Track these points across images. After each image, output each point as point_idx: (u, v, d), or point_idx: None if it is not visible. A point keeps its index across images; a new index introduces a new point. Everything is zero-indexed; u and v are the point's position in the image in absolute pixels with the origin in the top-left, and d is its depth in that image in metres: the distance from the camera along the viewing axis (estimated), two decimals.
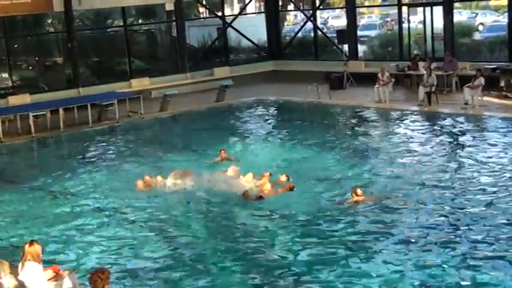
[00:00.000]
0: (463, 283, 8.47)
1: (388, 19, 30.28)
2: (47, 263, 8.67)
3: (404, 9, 24.84)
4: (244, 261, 9.59)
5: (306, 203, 11.87)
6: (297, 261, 9.44)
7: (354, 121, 19.38)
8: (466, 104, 18.89)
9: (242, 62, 28.47)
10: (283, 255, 9.67)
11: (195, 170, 13.78)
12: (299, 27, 29.45)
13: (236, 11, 31.00)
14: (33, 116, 19.26)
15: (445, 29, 23.12)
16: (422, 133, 17.01)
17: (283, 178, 12.92)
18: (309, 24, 28.42)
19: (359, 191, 11.67)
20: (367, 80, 22.31)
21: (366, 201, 11.56)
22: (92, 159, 16.43)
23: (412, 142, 16.04)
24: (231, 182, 13.00)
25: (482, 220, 10.48)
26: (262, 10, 30.24)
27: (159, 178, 13.33)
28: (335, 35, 26.58)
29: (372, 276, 8.76)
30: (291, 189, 12.38)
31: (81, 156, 16.74)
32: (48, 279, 8.21)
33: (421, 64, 22.22)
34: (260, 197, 12.09)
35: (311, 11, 28.38)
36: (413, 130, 17.39)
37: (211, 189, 12.88)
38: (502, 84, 19.95)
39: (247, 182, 12.87)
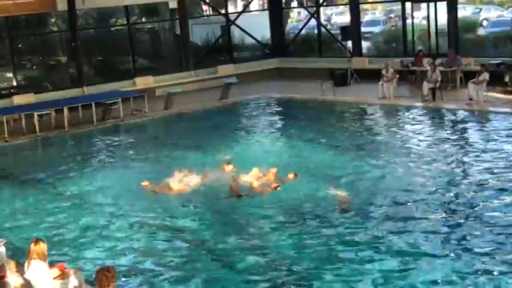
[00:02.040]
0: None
1: (392, 15, 30.26)
2: (52, 262, 8.70)
3: (408, 5, 24.77)
4: (244, 260, 9.58)
5: (304, 200, 11.83)
6: (295, 261, 9.39)
7: (358, 118, 19.36)
8: (470, 99, 18.86)
9: (246, 59, 28.43)
10: (280, 255, 9.66)
11: (199, 168, 13.76)
12: (303, 24, 29.44)
13: (240, 8, 31.02)
14: (37, 115, 19.29)
15: (449, 25, 23.08)
16: (427, 129, 16.97)
17: (290, 176, 12.91)
18: (313, 21, 28.40)
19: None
20: (371, 76, 22.27)
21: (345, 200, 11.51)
22: (97, 158, 16.46)
23: (417, 138, 16.01)
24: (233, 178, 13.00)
25: (488, 217, 10.40)
26: (266, 7, 30.21)
27: (163, 178, 13.32)
28: (339, 31, 26.59)
29: (370, 277, 8.72)
30: (275, 188, 12.34)
31: (86, 155, 16.76)
32: (54, 278, 8.24)
33: (425, 60, 22.18)
34: (239, 196, 12.08)
35: (314, 8, 28.39)
36: (417, 126, 17.35)
37: (215, 187, 12.87)
38: (507, 79, 19.86)
39: (252, 176, 12.87)
